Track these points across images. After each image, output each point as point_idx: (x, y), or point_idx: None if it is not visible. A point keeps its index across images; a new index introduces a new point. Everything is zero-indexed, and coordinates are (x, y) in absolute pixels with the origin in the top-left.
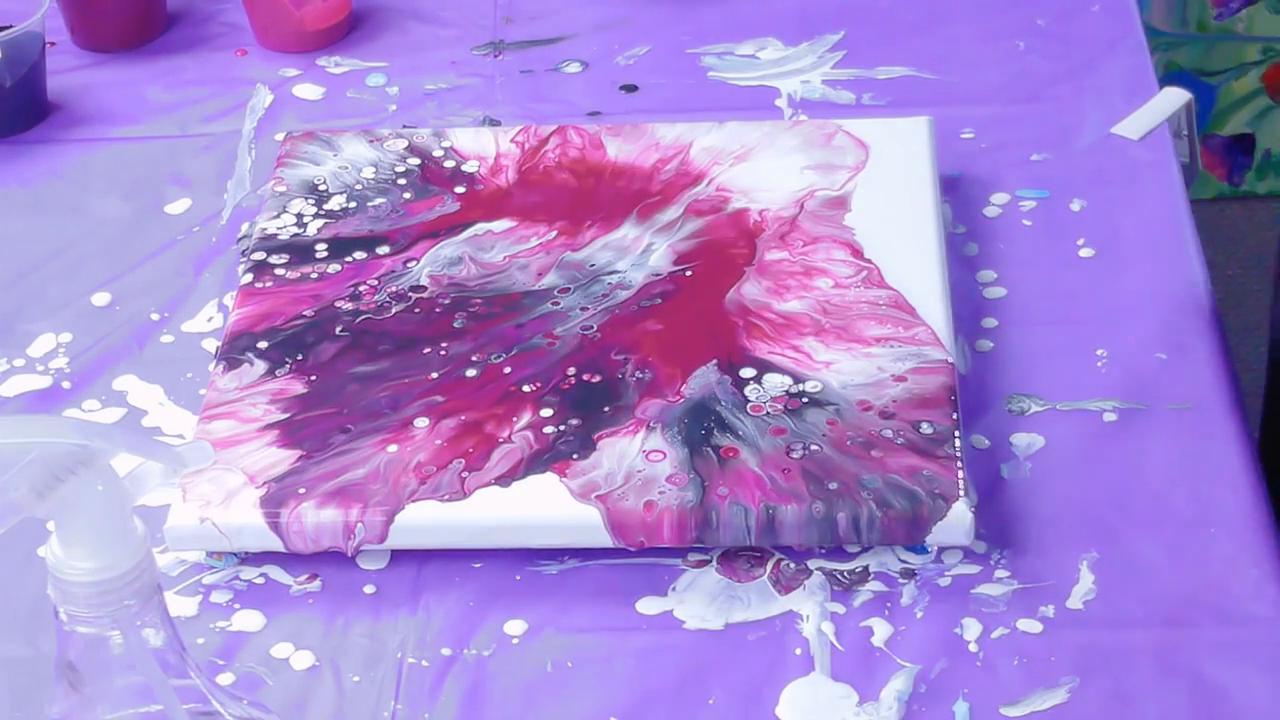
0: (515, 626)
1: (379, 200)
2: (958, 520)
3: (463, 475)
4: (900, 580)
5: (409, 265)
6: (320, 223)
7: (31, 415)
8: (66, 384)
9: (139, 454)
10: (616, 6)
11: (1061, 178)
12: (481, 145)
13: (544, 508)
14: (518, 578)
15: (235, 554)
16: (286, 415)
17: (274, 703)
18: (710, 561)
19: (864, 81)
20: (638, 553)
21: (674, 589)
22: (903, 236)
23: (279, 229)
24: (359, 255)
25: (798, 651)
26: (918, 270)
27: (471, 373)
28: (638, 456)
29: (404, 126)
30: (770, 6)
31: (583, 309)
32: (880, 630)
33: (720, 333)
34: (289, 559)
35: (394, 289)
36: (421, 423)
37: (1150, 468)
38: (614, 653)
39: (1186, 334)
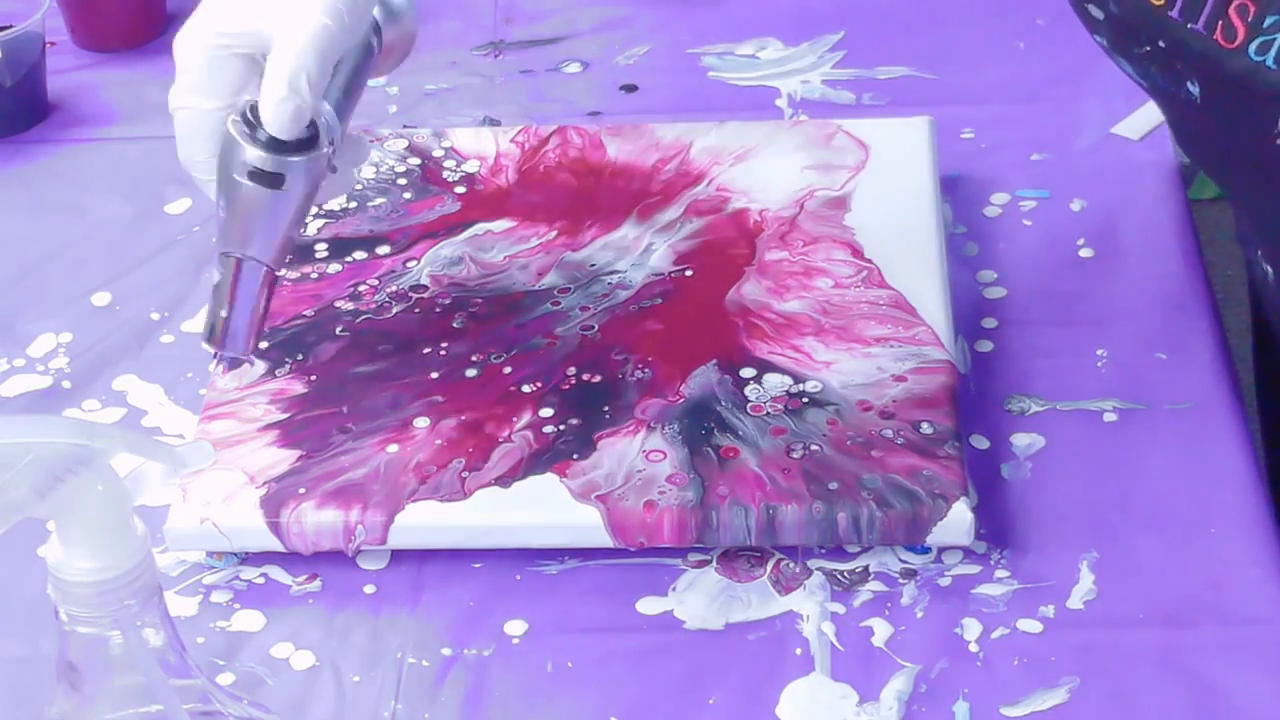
0: (515, 626)
1: (379, 200)
2: (958, 520)
3: (463, 475)
4: (900, 580)
5: (409, 265)
6: (320, 223)
7: (31, 415)
8: (66, 384)
9: (139, 454)
10: (616, 6)
11: (1061, 178)
12: (481, 145)
13: (544, 508)
14: (518, 578)
15: (235, 554)
16: (286, 415)
17: (274, 703)
18: (710, 561)
19: (864, 81)
20: (638, 553)
21: (674, 589)
22: (903, 236)
23: None
24: (359, 255)
25: (798, 651)
26: (918, 270)
27: (471, 373)
28: (638, 456)
29: (404, 126)
30: (770, 6)
31: (583, 309)
32: (880, 630)
33: (720, 333)
34: (289, 559)
35: (394, 289)
36: (421, 423)
37: (1150, 468)
38: (614, 653)
39: (1186, 334)
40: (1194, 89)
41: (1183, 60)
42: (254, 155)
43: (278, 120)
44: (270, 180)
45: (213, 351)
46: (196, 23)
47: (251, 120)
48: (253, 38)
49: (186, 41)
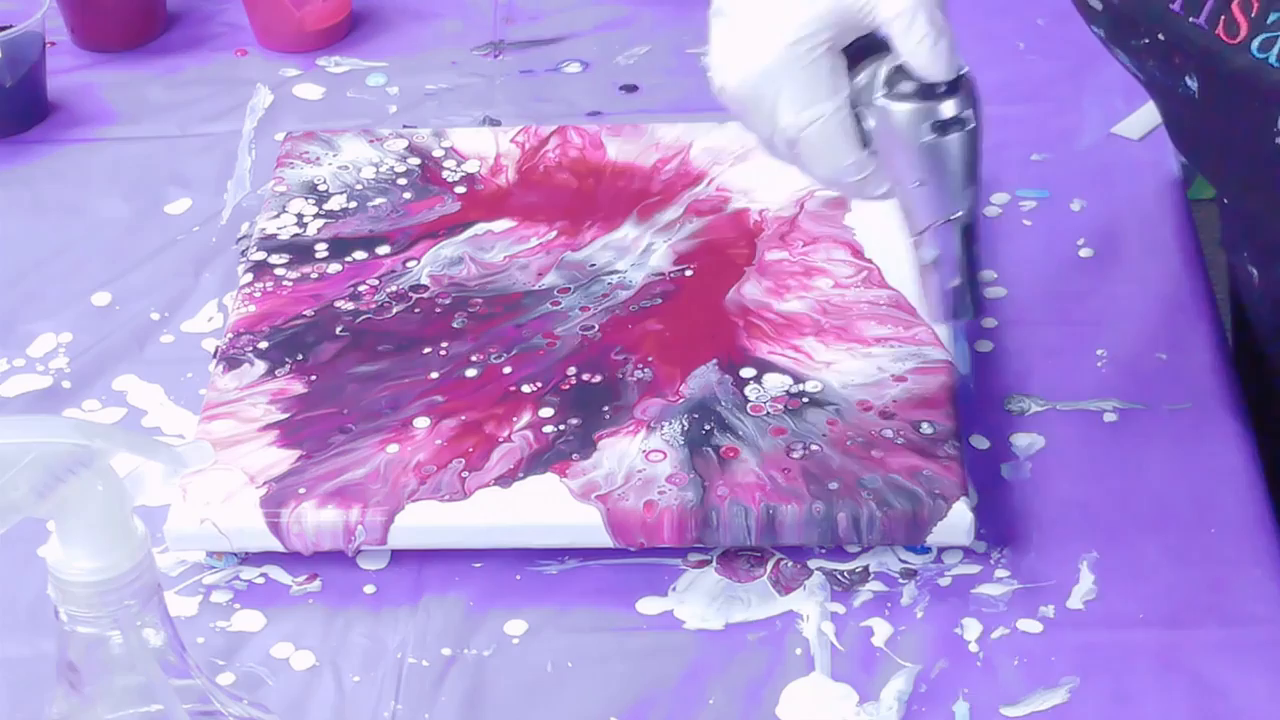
0: (515, 626)
1: (379, 200)
2: (958, 520)
3: (463, 475)
4: (900, 580)
5: (409, 265)
6: (320, 223)
7: (31, 415)
8: (66, 384)
9: (139, 454)
10: (616, 6)
11: (1061, 178)
12: (481, 145)
13: (544, 508)
14: (518, 578)
15: (235, 554)
16: (286, 415)
17: (274, 703)
18: (710, 561)
19: None
20: (638, 553)
21: (674, 589)
22: (903, 236)
23: (279, 229)
24: (359, 255)
25: (798, 651)
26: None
27: (471, 373)
28: (638, 456)
29: (404, 126)
30: None
31: (583, 309)
32: (880, 630)
33: (720, 333)
34: (289, 559)
35: (394, 289)
36: (421, 423)
37: (1150, 468)
38: (614, 653)
39: (1186, 334)
40: (1192, 84)
41: (1182, 55)
42: (943, 107)
43: (941, 62)
44: (960, 124)
45: (956, 326)
46: (752, 48)
47: (892, 85)
48: (839, 20)
49: (762, 70)
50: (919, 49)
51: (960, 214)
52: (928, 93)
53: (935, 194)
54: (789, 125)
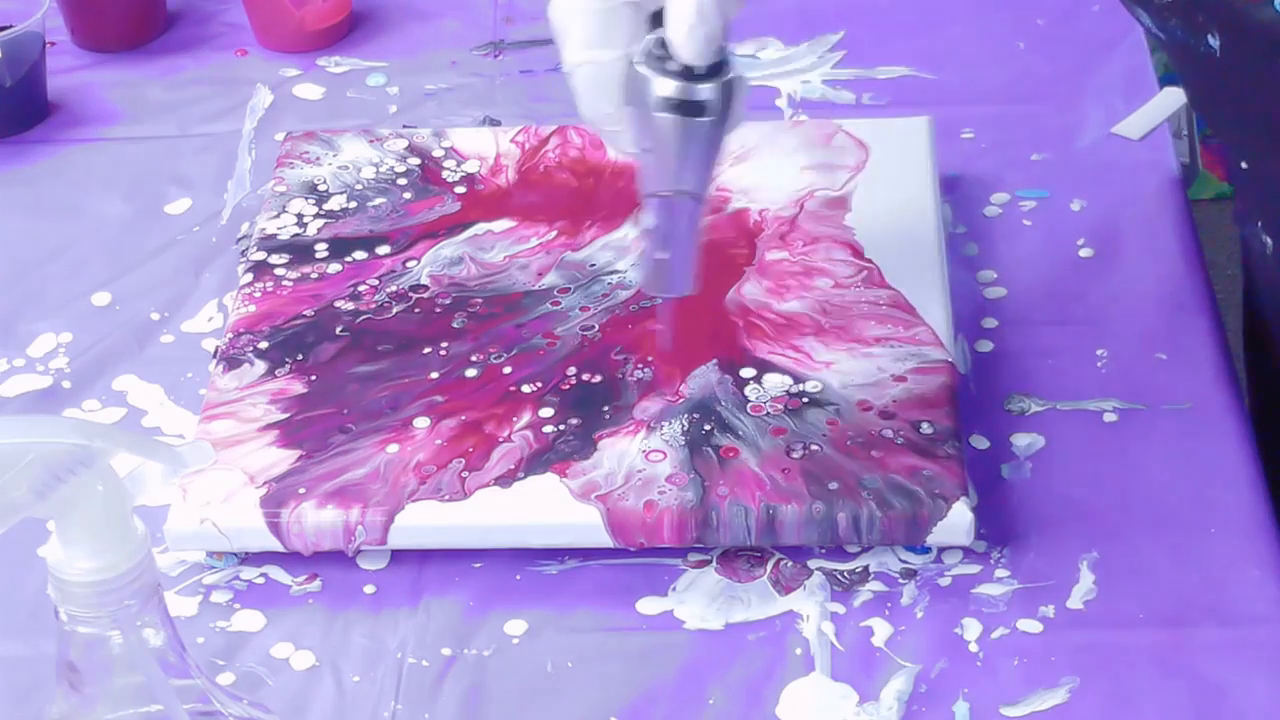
0: (515, 626)
1: (379, 200)
2: (958, 520)
3: (463, 475)
4: (900, 580)
5: (409, 265)
6: (320, 223)
7: (31, 415)
8: (66, 384)
9: (139, 454)
10: None
11: (1061, 178)
12: (481, 145)
13: (544, 508)
14: (518, 578)
15: (235, 554)
16: (286, 415)
17: (274, 703)
18: (710, 561)
19: (864, 81)
20: (638, 553)
21: (674, 589)
22: (903, 236)
23: (279, 229)
24: (359, 255)
25: (798, 651)
26: (918, 270)
27: (471, 373)
28: (638, 456)
29: (404, 126)
30: (770, 6)
31: (583, 309)
32: (880, 630)
33: (720, 333)
34: (289, 559)
35: (394, 289)
36: (421, 423)
37: (1150, 468)
38: (614, 653)
39: (1186, 334)
40: (1214, 42)
41: (1205, 12)
42: (673, 87)
43: (692, 47)
44: (692, 109)
45: (659, 298)
46: None
47: (659, 56)
48: None
49: (568, 4)
50: (678, 28)
51: (680, 191)
52: (681, 71)
53: (656, 167)
54: (569, 61)
